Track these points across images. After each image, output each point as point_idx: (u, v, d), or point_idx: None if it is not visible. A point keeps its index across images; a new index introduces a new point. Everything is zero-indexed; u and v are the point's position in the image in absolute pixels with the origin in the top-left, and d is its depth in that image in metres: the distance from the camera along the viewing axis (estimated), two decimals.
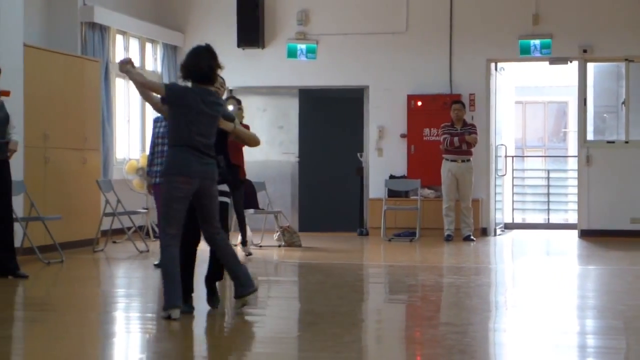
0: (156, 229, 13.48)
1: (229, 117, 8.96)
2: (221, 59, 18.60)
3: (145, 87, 8.83)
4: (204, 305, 8.84)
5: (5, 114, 11.30)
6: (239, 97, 14.06)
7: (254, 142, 9.42)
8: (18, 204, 12.46)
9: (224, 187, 8.92)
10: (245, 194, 13.87)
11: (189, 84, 8.65)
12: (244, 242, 13.80)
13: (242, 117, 13.75)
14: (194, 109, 8.44)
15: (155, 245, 11.99)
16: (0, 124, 11.21)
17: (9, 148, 11.30)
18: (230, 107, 13.45)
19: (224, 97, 11.91)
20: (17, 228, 11.96)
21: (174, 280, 8.28)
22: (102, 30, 16.11)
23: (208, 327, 8.73)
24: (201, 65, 8.55)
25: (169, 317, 8.13)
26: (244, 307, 8.68)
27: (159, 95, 8.69)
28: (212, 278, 8.96)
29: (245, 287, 8.68)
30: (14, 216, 11.71)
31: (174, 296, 8.25)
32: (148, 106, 17.82)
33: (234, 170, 13.41)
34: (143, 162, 15.97)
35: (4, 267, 11.17)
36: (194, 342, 8.09)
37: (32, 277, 11.27)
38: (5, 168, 11.29)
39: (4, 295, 10.52)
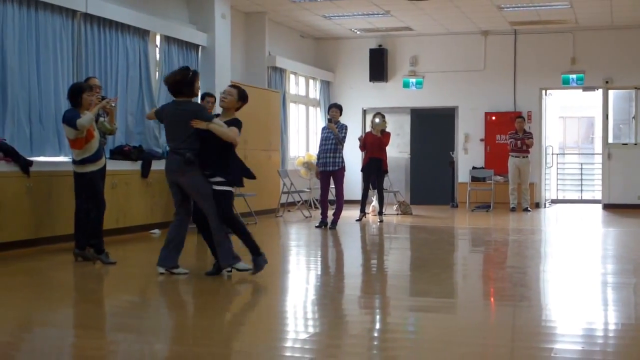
0: (317, 203, 13.65)
1: (203, 118, 7.33)
2: (357, 90, 19.00)
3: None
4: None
5: None
6: (373, 114, 14.14)
7: (226, 137, 7.32)
8: None
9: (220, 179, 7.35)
10: (373, 179, 13.92)
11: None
12: (380, 212, 13.80)
13: (385, 126, 13.75)
14: (165, 119, 7.43)
15: (316, 213, 12.16)
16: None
17: None
18: (377, 120, 13.61)
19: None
20: None
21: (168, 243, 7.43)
22: (281, 72, 16.37)
23: (343, 269, 8.82)
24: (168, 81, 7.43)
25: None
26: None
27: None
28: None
29: (223, 260, 7.44)
30: None
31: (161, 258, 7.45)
32: (311, 120, 18.14)
33: (378, 163, 13.54)
34: (307, 158, 16.21)
35: None
36: (344, 277, 8.18)
37: None
38: None
39: None
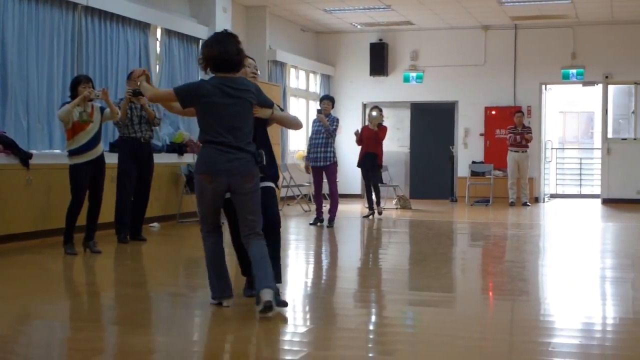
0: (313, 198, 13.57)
1: (266, 104, 5.98)
2: (358, 84, 19.33)
3: (158, 100, 5.93)
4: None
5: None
6: (370, 107, 14.03)
7: (295, 125, 6.51)
8: None
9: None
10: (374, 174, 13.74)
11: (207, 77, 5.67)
12: (378, 203, 13.45)
13: (382, 120, 13.49)
14: (214, 102, 5.36)
15: (314, 207, 12.11)
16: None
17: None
18: (374, 114, 13.44)
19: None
20: None
21: (215, 271, 5.59)
22: (281, 65, 16.35)
23: (348, 264, 8.79)
24: (230, 51, 5.52)
25: (220, 304, 5.62)
26: (264, 309, 5.23)
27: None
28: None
29: (263, 283, 5.31)
30: None
31: (218, 288, 5.60)
32: (312, 114, 18.12)
33: (373, 157, 13.32)
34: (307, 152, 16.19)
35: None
36: (342, 271, 8.17)
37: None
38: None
39: None
